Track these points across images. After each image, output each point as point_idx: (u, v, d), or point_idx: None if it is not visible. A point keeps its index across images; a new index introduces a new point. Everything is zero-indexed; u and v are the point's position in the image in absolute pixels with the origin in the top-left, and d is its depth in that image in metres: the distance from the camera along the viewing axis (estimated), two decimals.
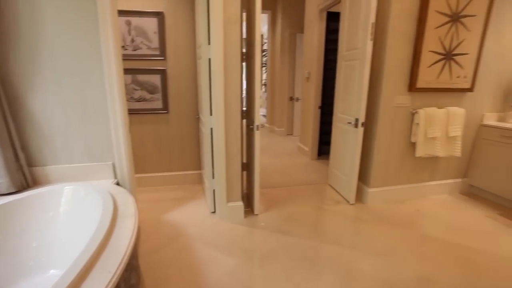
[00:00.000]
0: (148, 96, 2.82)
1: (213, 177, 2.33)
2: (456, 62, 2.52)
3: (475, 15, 2.43)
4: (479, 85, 2.70)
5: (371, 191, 2.66)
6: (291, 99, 5.61)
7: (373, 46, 2.46)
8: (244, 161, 2.74)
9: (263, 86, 7.92)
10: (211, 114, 2.20)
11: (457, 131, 2.60)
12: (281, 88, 5.57)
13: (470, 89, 2.64)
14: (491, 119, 2.84)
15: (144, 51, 2.71)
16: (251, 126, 2.33)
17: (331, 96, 3.76)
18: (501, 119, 2.87)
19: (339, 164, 2.88)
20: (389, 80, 2.43)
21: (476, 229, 2.26)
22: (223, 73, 2.07)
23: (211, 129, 2.23)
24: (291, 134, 5.77)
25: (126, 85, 2.73)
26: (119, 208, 1.42)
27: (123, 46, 2.65)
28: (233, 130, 2.23)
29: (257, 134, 2.24)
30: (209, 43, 2.08)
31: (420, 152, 2.57)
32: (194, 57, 2.84)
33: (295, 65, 5.46)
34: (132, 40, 2.67)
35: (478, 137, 2.85)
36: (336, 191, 2.96)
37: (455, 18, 2.39)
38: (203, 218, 2.38)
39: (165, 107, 2.88)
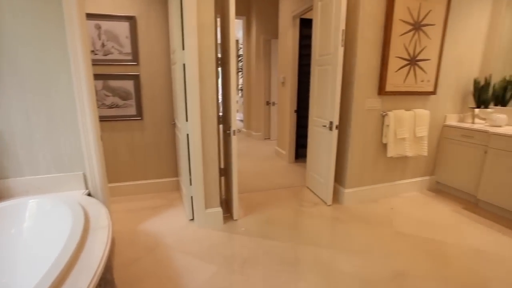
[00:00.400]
0: (120, 102, 2.73)
1: (190, 184, 2.29)
2: (420, 67, 2.68)
3: (434, 24, 2.62)
4: (441, 89, 2.90)
5: (347, 192, 2.75)
6: (268, 103, 5.67)
7: (344, 52, 2.57)
8: (222, 166, 2.72)
9: (240, 91, 7.96)
10: (187, 120, 2.17)
11: (423, 131, 2.76)
12: (257, 93, 5.62)
13: (433, 92, 2.82)
14: (452, 120, 3.06)
15: (115, 56, 2.63)
16: (228, 131, 2.33)
17: (306, 100, 3.86)
18: (461, 120, 3.10)
19: (315, 166, 2.94)
20: (360, 84, 2.54)
21: (444, 223, 2.40)
22: (198, 78, 2.06)
23: (187, 135, 2.19)
24: (269, 138, 5.82)
25: (97, 91, 2.62)
26: (90, 220, 1.35)
27: (93, 51, 2.55)
28: (209, 135, 2.21)
29: (234, 139, 2.24)
30: (183, 48, 2.06)
31: (391, 152, 2.70)
32: (169, 62, 2.79)
33: (270, 70, 5.55)
34: (103, 45, 2.58)
35: (442, 137, 3.05)
36: (314, 193, 3.02)
37: (417, 26, 2.56)
38: (181, 226, 2.32)
39: (139, 113, 2.80)
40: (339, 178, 2.82)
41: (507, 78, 2.80)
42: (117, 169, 2.86)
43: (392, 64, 2.55)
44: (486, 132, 2.57)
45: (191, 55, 1.99)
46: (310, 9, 3.22)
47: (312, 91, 2.93)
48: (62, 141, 1.68)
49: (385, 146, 2.78)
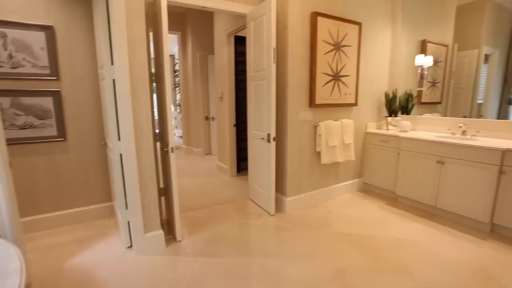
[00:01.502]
0: (37, 122, 2.39)
1: (126, 208, 2.10)
2: (343, 82, 3.03)
3: (350, 46, 3.01)
4: (361, 101, 3.31)
5: (289, 200, 2.87)
6: (207, 118, 5.63)
7: (277, 68, 2.74)
8: (162, 186, 2.58)
9: (178, 107, 7.74)
10: (119, 139, 2.01)
11: (350, 139, 3.09)
12: (196, 108, 5.54)
13: (355, 104, 3.20)
14: (372, 128, 3.50)
15: (28, 69, 2.31)
16: (166, 149, 2.23)
17: (245, 114, 3.96)
18: (378, 127, 3.57)
19: (257, 178, 3.01)
20: (293, 98, 2.73)
21: (372, 219, 2.69)
22: (131, 94, 1.94)
23: (121, 155, 2.03)
24: (210, 153, 5.75)
25: (3, 110, 2.24)
26: None
27: None
28: (145, 154, 2.08)
29: (172, 157, 2.16)
30: (112, 63, 1.93)
31: (325, 159, 2.94)
32: (96, 76, 2.57)
33: (208, 85, 5.55)
34: (10, 56, 2.24)
35: (365, 142, 3.46)
36: (257, 204, 3.07)
37: (337, 47, 2.90)
38: (118, 256, 2.10)
39: (62, 134, 2.49)
40: (280, 187, 2.94)
41: (408, 91, 3.36)
42: (34, 200, 2.46)
43: (319, 80, 2.82)
44: (397, 136, 3.01)
45: (122, 70, 1.88)
46: (243, 27, 3.37)
47: (249, 105, 3.03)
48: None
49: (319, 154, 3.02)
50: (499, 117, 2.76)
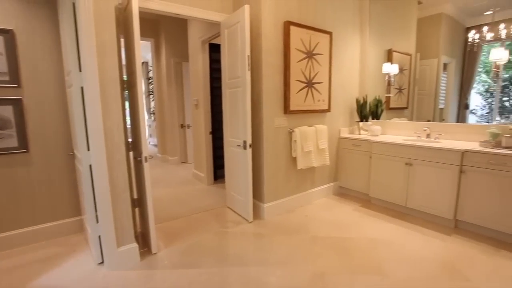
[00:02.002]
0: None
1: (97, 222, 1.99)
2: (316, 89, 3.12)
3: (322, 54, 3.12)
4: (334, 107, 3.42)
5: (266, 206, 2.88)
6: (182, 126, 5.54)
7: (252, 75, 2.77)
8: (136, 196, 2.48)
9: (152, 115, 7.55)
10: (88, 149, 1.91)
11: (324, 144, 3.17)
12: (171, 116, 5.43)
13: (328, 110, 3.30)
14: (345, 133, 3.62)
15: None
16: (139, 158, 2.16)
17: (221, 121, 3.94)
18: (351, 132, 3.70)
19: (234, 185, 2.99)
20: (268, 105, 2.77)
21: (347, 222, 2.77)
22: (100, 102, 1.87)
23: (90, 166, 1.93)
24: (186, 162, 5.64)
25: None
26: None
27: None
28: (117, 164, 2.00)
29: (146, 166, 2.09)
30: (80, 70, 1.85)
31: (301, 164, 2.99)
32: (63, 83, 2.44)
33: (183, 93, 5.48)
34: None
35: (339, 147, 3.57)
36: (235, 212, 3.04)
37: (310, 55, 3.00)
38: (87, 274, 1.97)
39: (23, 145, 2.32)
40: (257, 194, 2.94)
41: (377, 97, 3.53)
42: None
43: (293, 87, 2.89)
44: (368, 141, 3.15)
45: (90, 77, 1.80)
46: (217, 35, 3.38)
47: (225, 112, 3.03)
48: None
49: (294, 159, 3.07)
50: (458, 121, 2.99)
